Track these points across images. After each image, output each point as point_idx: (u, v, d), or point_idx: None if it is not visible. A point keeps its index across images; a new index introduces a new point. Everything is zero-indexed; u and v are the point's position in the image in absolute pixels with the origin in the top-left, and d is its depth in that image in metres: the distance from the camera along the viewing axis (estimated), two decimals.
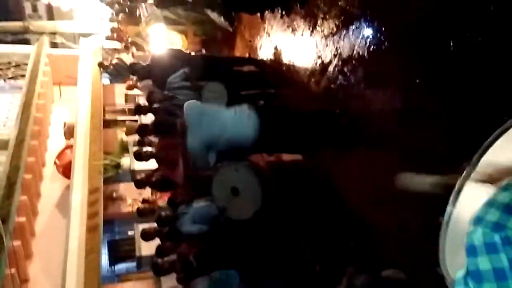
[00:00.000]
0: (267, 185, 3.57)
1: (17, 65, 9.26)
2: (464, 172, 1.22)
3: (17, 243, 5.51)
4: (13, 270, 5.11)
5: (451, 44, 2.21)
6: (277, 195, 3.68)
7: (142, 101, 6.13)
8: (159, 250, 4.16)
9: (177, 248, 4.09)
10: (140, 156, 4.45)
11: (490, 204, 0.92)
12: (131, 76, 6.78)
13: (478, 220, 0.92)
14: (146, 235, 4.38)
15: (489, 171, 1.11)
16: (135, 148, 4.90)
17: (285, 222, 3.69)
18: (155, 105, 4.55)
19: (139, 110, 5.00)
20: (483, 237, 0.87)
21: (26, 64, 8.69)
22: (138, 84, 5.96)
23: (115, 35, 7.87)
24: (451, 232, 1.25)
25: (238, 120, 3.15)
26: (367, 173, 3.01)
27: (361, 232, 3.05)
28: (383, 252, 2.78)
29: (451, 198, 1.25)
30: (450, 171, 1.33)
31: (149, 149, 4.46)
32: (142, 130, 4.36)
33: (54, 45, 10.27)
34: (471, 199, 1.07)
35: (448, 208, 1.25)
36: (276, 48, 4.63)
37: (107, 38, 8.19)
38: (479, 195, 0.99)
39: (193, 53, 5.69)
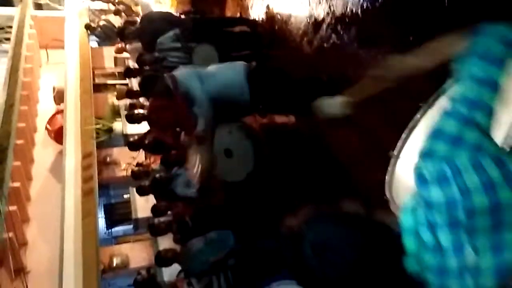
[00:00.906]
0: (260, 147, 3.59)
1: (1, 28, 8.96)
2: (421, 110, 1.29)
3: (13, 207, 5.55)
4: (10, 234, 5.18)
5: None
6: (270, 156, 3.71)
7: (132, 64, 6.02)
8: (155, 210, 4.24)
9: (173, 208, 4.16)
10: (132, 118, 4.42)
11: (437, 135, 0.93)
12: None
13: (427, 152, 0.94)
14: (142, 190, 4.44)
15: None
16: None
17: (279, 183, 3.74)
18: (146, 68, 4.48)
19: (129, 73, 4.92)
20: (434, 169, 0.90)
21: (10, 27, 8.41)
22: (127, 47, 5.82)
23: None
24: (401, 162, 1.34)
25: (231, 68, 3.13)
26: (358, 132, 3.03)
27: (353, 190, 3.11)
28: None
29: (405, 131, 1.34)
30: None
31: (140, 111, 4.42)
32: (132, 93, 4.31)
33: (38, 6, 9.90)
34: (423, 133, 1.09)
35: (400, 141, 1.35)
36: (268, 7, 4.51)
37: None
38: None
39: (182, 14, 5.53)
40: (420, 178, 0.93)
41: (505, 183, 0.84)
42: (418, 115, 1.35)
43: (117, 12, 6.87)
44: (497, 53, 0.93)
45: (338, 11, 3.16)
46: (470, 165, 0.87)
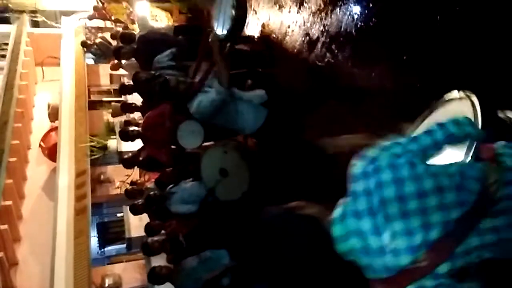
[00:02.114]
0: (256, 167, 3.57)
1: None
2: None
3: (4, 226, 5.46)
4: (1, 254, 5.07)
5: (438, 19, 2.19)
6: (265, 176, 3.68)
7: (127, 81, 6.02)
8: (149, 228, 4.17)
9: (166, 227, 4.11)
10: (126, 135, 4.39)
11: (375, 146, 1.19)
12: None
13: (362, 156, 1.19)
14: (135, 209, 4.38)
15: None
16: None
17: (274, 202, 3.70)
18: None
19: (124, 89, 4.91)
20: (361, 166, 1.15)
21: (6, 44, 8.42)
22: (123, 62, 5.83)
23: (97, 13, 7.65)
24: None
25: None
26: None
27: None
28: None
29: None
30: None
31: (135, 128, 4.40)
32: (127, 106, 4.29)
33: (35, 24, 9.94)
34: None
35: None
36: (263, 25, 4.55)
37: (90, 16, 7.95)
38: None
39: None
40: (351, 173, 1.16)
41: (412, 180, 1.06)
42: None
43: (113, 37, 6.89)
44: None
45: (332, 30, 3.18)
46: (387, 165, 1.10)
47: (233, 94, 3.34)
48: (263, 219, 2.60)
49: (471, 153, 1.21)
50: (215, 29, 3.47)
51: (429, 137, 1.18)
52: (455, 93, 1.42)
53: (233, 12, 3.28)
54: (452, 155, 1.26)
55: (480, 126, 1.25)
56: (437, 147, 1.20)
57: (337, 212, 1.15)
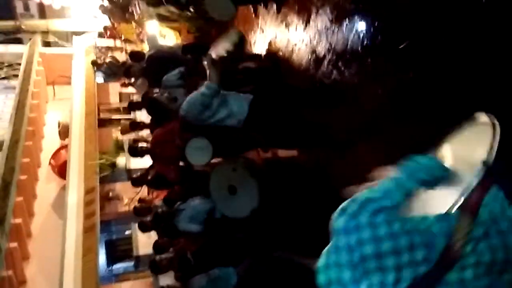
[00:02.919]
0: (265, 184, 3.56)
1: (10, 65, 9.18)
2: None
3: (13, 244, 5.48)
4: (10, 272, 5.08)
5: (444, 39, 2.20)
6: (274, 193, 3.67)
7: (136, 98, 6.09)
8: (157, 246, 4.16)
9: (175, 244, 4.09)
10: (135, 151, 4.41)
11: (354, 199, 1.26)
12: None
13: (343, 208, 1.26)
14: (143, 226, 4.37)
15: None
16: None
17: (283, 219, 3.68)
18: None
19: (133, 106, 4.95)
20: (343, 222, 1.22)
21: (19, 64, 8.61)
22: (132, 81, 5.92)
23: (108, 33, 7.81)
24: None
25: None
26: (362, 169, 2.99)
27: None
28: None
29: None
30: None
31: (144, 144, 4.42)
32: (135, 125, 4.33)
33: (46, 44, 10.18)
34: None
35: None
36: (270, 43, 4.60)
37: (100, 36, 8.12)
38: None
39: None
40: (334, 227, 1.25)
41: (388, 239, 1.15)
42: None
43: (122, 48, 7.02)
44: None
45: (339, 48, 3.21)
46: (366, 223, 1.19)
47: (221, 89, 3.36)
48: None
49: (462, 198, 1.27)
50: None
51: (398, 192, 1.28)
52: (477, 117, 1.44)
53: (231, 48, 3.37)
54: (446, 194, 1.33)
55: (494, 154, 1.30)
56: (409, 196, 1.30)
57: (321, 261, 1.26)
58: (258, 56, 4.89)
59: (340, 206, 1.27)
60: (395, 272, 1.15)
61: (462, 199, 1.26)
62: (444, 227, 1.22)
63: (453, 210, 1.27)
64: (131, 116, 6.94)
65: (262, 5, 4.48)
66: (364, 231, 1.18)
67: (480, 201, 1.27)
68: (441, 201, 1.33)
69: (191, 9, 4.38)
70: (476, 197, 1.28)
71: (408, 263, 1.15)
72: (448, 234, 1.20)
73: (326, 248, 1.26)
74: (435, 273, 1.16)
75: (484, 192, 1.29)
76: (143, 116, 5.79)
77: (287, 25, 4.13)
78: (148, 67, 4.69)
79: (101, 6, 8.08)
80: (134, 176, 4.79)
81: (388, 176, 1.35)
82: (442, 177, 1.36)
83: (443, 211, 1.29)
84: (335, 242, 1.24)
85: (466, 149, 1.46)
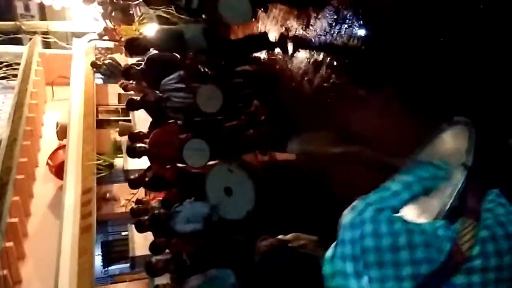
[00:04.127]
0: (260, 185, 3.58)
1: (9, 65, 9.18)
2: None
3: (9, 244, 5.47)
4: (5, 272, 5.07)
5: (442, 42, 2.23)
6: (270, 194, 3.68)
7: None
8: (153, 247, 4.16)
9: (171, 246, 4.09)
10: (133, 152, 4.41)
11: (363, 198, 1.32)
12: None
13: (352, 206, 1.32)
14: (140, 226, 4.37)
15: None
16: None
17: (279, 221, 3.69)
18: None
19: (131, 105, 4.95)
20: (350, 217, 1.28)
21: (19, 64, 8.62)
22: (132, 82, 5.93)
23: (107, 34, 7.81)
24: None
25: None
26: (359, 174, 3.02)
27: None
28: None
29: None
30: None
31: (142, 145, 4.43)
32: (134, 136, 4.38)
33: (46, 44, 10.19)
34: None
35: None
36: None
37: (100, 37, 8.13)
38: None
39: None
40: (342, 222, 1.30)
41: (389, 235, 1.20)
42: None
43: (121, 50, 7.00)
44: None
45: (337, 53, 3.24)
46: (370, 219, 1.24)
47: None
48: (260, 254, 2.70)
49: (450, 202, 1.32)
50: None
51: (406, 191, 1.33)
52: (453, 121, 1.51)
53: None
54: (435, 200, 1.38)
55: (472, 157, 1.35)
56: (415, 197, 1.35)
57: (328, 253, 1.31)
58: (257, 59, 4.92)
59: (351, 205, 1.32)
60: (393, 268, 1.18)
61: (451, 201, 1.29)
62: (448, 230, 1.25)
63: (445, 213, 1.30)
64: (130, 117, 6.95)
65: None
66: (367, 226, 1.23)
67: (478, 203, 1.29)
68: (432, 204, 1.37)
69: (203, 16, 4.36)
70: (473, 201, 1.30)
71: (408, 261, 1.18)
72: (453, 238, 1.22)
73: (334, 243, 1.31)
74: (440, 274, 1.18)
75: (477, 194, 1.32)
76: (141, 116, 5.79)
77: (286, 30, 4.17)
78: (147, 69, 4.70)
79: (101, 6, 8.10)
80: (132, 177, 4.79)
81: (397, 177, 1.38)
82: (439, 186, 1.39)
83: (435, 214, 1.32)
84: (341, 236, 1.28)
85: (445, 152, 1.50)
